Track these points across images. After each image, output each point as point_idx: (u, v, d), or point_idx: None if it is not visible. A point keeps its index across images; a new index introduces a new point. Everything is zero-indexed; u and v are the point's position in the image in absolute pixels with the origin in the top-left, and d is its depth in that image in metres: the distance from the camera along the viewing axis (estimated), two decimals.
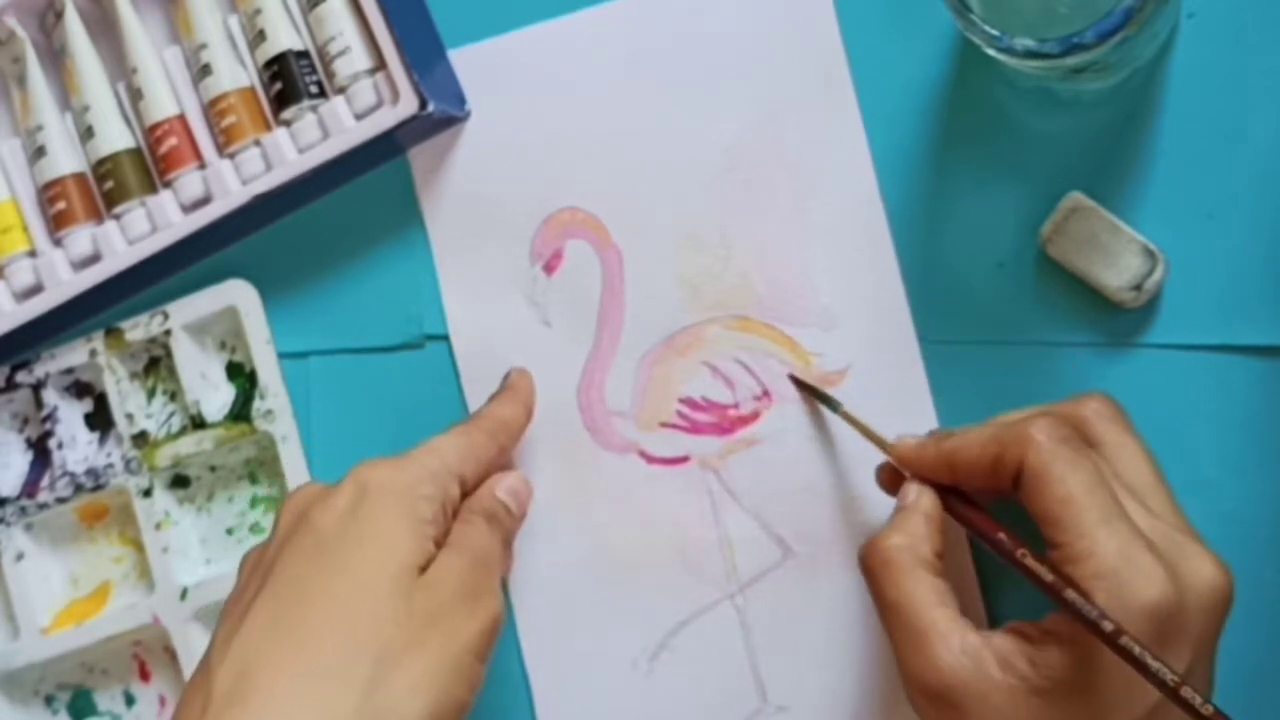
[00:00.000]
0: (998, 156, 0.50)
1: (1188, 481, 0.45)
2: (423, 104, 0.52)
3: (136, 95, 0.56)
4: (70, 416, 0.58)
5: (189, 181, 0.55)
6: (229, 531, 0.58)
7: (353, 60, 0.53)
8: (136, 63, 0.55)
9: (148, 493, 0.56)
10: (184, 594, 0.55)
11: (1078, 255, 0.48)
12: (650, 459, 0.53)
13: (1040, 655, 0.41)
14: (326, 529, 0.44)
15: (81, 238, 0.56)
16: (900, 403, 0.50)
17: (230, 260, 0.57)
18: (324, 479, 0.49)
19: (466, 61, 0.55)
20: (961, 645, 0.42)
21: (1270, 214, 0.47)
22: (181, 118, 0.55)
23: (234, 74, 0.55)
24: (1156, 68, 0.48)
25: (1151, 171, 0.48)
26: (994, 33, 0.42)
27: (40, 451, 0.59)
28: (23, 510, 0.58)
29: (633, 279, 0.54)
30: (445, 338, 0.55)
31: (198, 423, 0.56)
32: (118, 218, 0.56)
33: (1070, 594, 0.40)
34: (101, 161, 0.56)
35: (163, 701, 0.58)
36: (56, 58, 0.57)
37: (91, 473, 0.57)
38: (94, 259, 0.56)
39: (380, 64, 0.53)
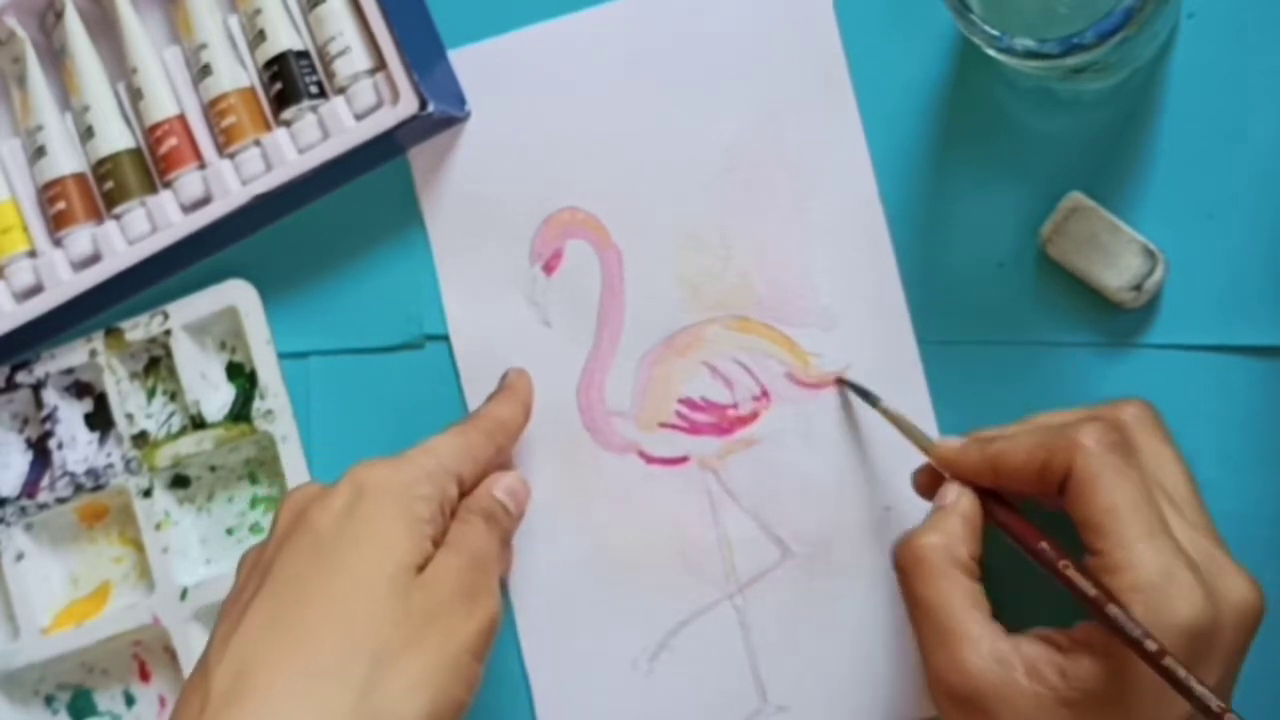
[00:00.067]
0: (998, 156, 0.50)
1: None
2: (423, 104, 0.52)
3: (136, 95, 0.56)
4: (70, 416, 0.58)
5: (189, 181, 0.55)
6: (229, 531, 0.58)
7: (353, 60, 0.53)
8: (136, 63, 0.55)
9: (148, 493, 0.56)
10: (184, 594, 0.55)
11: (1078, 255, 0.48)
12: (650, 459, 0.53)
13: (1071, 666, 0.41)
14: (324, 529, 0.44)
15: (81, 238, 0.56)
16: (899, 403, 0.50)
17: (230, 260, 0.57)
18: (324, 479, 0.49)
19: (466, 61, 0.55)
20: (991, 650, 0.41)
21: (1270, 214, 0.47)
22: (181, 118, 0.55)
23: (234, 74, 0.55)
24: (1156, 68, 0.48)
25: (1151, 171, 0.48)
26: (994, 33, 0.42)
27: (40, 451, 0.59)
28: (23, 510, 0.58)
29: (633, 279, 0.54)
30: (445, 338, 0.55)
31: (198, 423, 0.56)
32: (118, 218, 0.56)
33: (1113, 609, 0.39)
34: (101, 161, 0.56)
35: (163, 701, 0.58)
36: (56, 58, 0.57)
37: (91, 473, 0.57)
38: (94, 259, 0.56)
39: (380, 64, 0.53)
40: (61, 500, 0.57)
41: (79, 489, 0.57)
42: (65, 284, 0.56)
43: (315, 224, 0.56)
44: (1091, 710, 0.40)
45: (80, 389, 0.59)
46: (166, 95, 0.55)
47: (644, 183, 0.53)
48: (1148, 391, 0.46)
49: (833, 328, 0.51)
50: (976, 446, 0.45)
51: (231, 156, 0.55)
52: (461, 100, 0.55)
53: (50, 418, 0.58)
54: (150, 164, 0.56)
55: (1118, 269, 0.47)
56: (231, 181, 0.54)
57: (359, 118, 0.53)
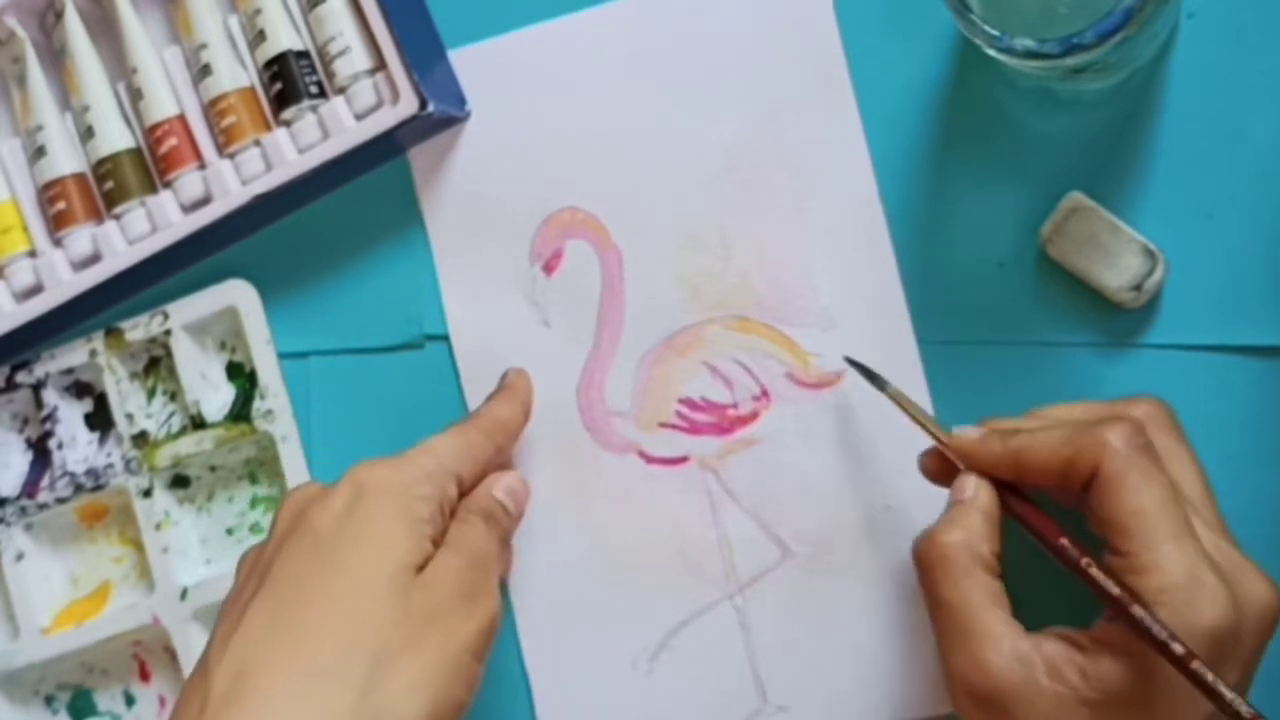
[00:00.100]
0: (998, 156, 0.50)
1: None
2: (423, 104, 0.52)
3: (136, 95, 0.56)
4: (70, 416, 0.58)
5: (189, 181, 0.55)
6: (229, 531, 0.58)
7: (353, 60, 0.53)
8: (136, 63, 0.55)
9: (148, 493, 0.56)
10: (184, 594, 0.55)
11: (1078, 255, 0.48)
12: (650, 459, 0.53)
13: (1092, 666, 0.40)
14: (324, 529, 0.44)
15: (81, 238, 0.56)
16: None
17: (230, 260, 0.57)
18: (324, 479, 0.49)
19: (466, 61, 0.55)
20: (1013, 650, 0.41)
21: (1270, 214, 0.47)
22: (181, 118, 0.55)
23: (234, 74, 0.55)
24: (1156, 68, 0.48)
25: (1151, 171, 0.48)
26: (994, 33, 0.42)
27: (40, 451, 0.59)
28: (23, 510, 0.58)
29: (633, 279, 0.54)
30: (445, 338, 0.55)
31: (198, 423, 0.56)
32: (118, 218, 0.56)
33: (1139, 610, 0.39)
34: (101, 161, 0.56)
35: (163, 701, 0.58)
36: (56, 58, 0.57)
37: (91, 473, 0.57)
38: (94, 259, 0.56)
39: (380, 64, 0.53)
40: (61, 500, 0.57)
41: (79, 489, 0.57)
42: (65, 284, 0.56)
43: (315, 224, 0.56)
44: (1112, 710, 0.40)
45: (80, 389, 0.59)
46: (166, 95, 0.55)
47: (644, 183, 0.53)
48: (1147, 391, 0.46)
49: (833, 328, 0.51)
50: (998, 439, 0.44)
51: (231, 156, 0.55)
52: (461, 100, 0.55)
53: (50, 418, 0.58)
54: (150, 164, 0.56)
55: (1118, 269, 0.47)
56: (231, 181, 0.54)
57: (359, 118, 0.53)
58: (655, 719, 0.53)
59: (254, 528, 0.57)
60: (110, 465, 0.57)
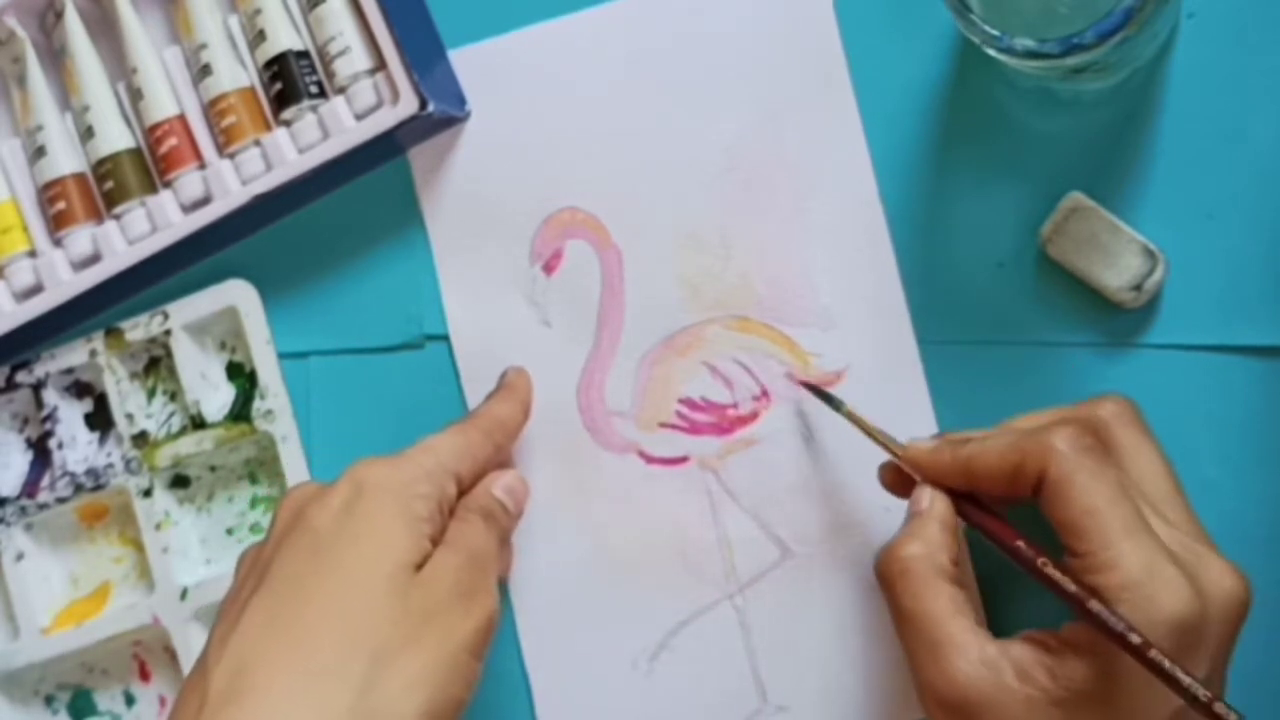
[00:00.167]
0: (998, 156, 0.50)
1: (1188, 481, 0.44)
2: (423, 104, 0.52)
3: (136, 95, 0.56)
4: (70, 416, 0.58)
5: (189, 181, 0.55)
6: (229, 531, 0.58)
7: (353, 60, 0.53)
8: (136, 63, 0.55)
9: (148, 493, 0.56)
10: (184, 594, 0.55)
11: (1078, 255, 0.48)
12: (650, 459, 0.53)
13: (1059, 666, 0.41)
14: (322, 527, 0.44)
15: (81, 238, 0.56)
16: (899, 403, 0.50)
17: (230, 260, 0.57)
18: (324, 479, 0.49)
19: (466, 61, 0.55)
20: (980, 656, 0.41)
21: (1270, 214, 0.47)
22: (181, 118, 0.55)
23: (234, 74, 0.55)
24: (1156, 68, 0.48)
25: (1151, 171, 0.48)
26: (994, 33, 0.42)
27: (40, 451, 0.59)
28: (23, 510, 0.58)
29: (633, 279, 0.54)
30: (445, 338, 0.55)
31: (198, 423, 0.56)
32: (118, 218, 0.56)
33: (1095, 605, 0.40)
34: (101, 161, 0.56)
35: (163, 702, 0.58)
36: (56, 58, 0.57)
37: (91, 473, 0.57)
38: (94, 259, 0.56)
39: (380, 64, 0.53)
40: (61, 500, 0.57)
41: (79, 489, 0.57)
42: (65, 284, 0.56)
43: (315, 224, 0.56)
44: (1082, 709, 0.40)
45: (80, 389, 0.59)
46: (166, 95, 0.55)
47: (644, 183, 0.53)
48: (1148, 391, 0.46)
49: (833, 328, 0.51)
50: (948, 449, 0.45)
51: (231, 156, 0.55)
52: (461, 100, 0.55)
53: (50, 418, 0.58)
54: (150, 164, 0.56)
55: (1118, 269, 0.47)
56: (231, 181, 0.54)
57: (359, 118, 0.53)
58: (655, 719, 0.53)
59: (254, 528, 0.57)
60: (110, 465, 0.57)
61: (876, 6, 0.51)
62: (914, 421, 0.50)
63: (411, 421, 0.54)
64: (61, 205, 0.56)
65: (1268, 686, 0.46)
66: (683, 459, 0.53)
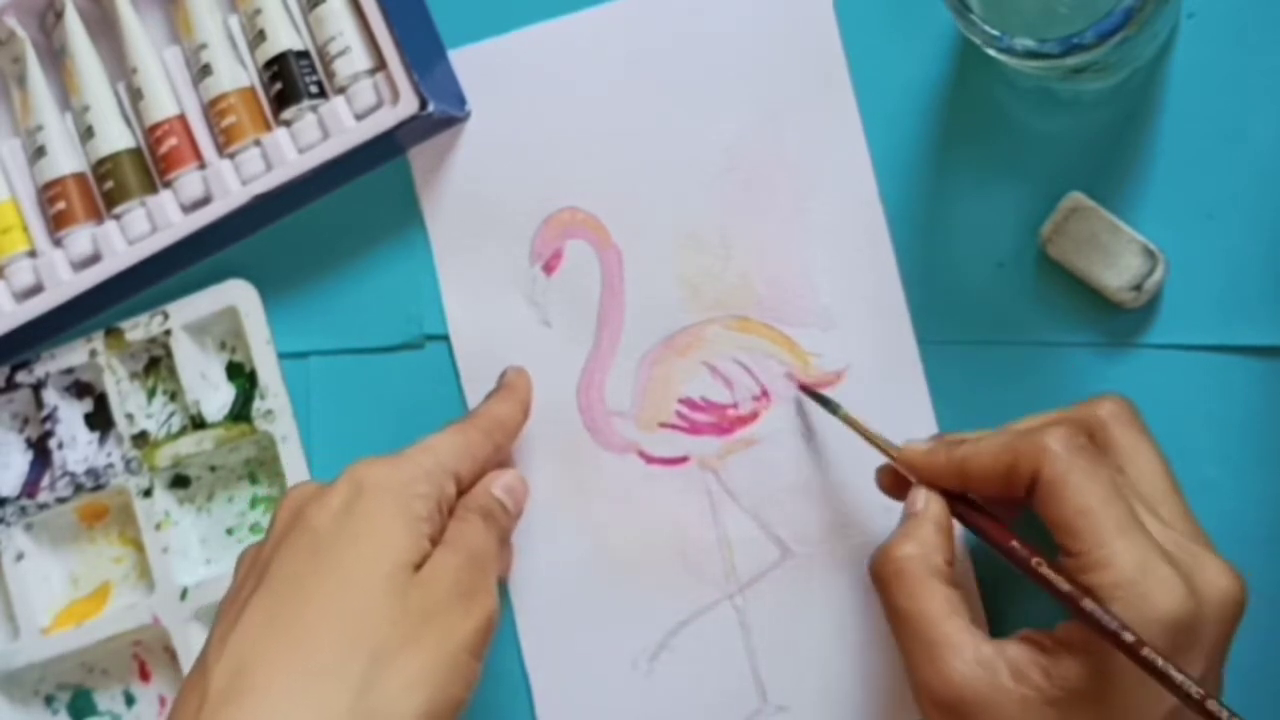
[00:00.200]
0: (998, 156, 0.50)
1: (1188, 481, 0.44)
2: (423, 104, 0.52)
3: (136, 95, 0.56)
4: (70, 416, 0.58)
5: (189, 181, 0.55)
6: (229, 531, 0.58)
7: (353, 60, 0.53)
8: (136, 63, 0.55)
9: (148, 493, 0.56)
10: (184, 594, 0.55)
11: (1078, 255, 0.48)
12: (650, 459, 0.53)
13: (1054, 665, 0.41)
14: (322, 527, 0.44)
15: (81, 238, 0.56)
16: (899, 403, 0.50)
17: (230, 260, 0.57)
18: (324, 479, 0.49)
19: (466, 61, 0.55)
20: (975, 656, 0.41)
21: (1270, 214, 0.47)
22: (181, 118, 0.55)
23: (234, 74, 0.55)
24: (1156, 68, 0.48)
25: (1151, 171, 0.48)
26: (994, 33, 0.42)
27: (40, 451, 0.59)
28: (23, 510, 0.58)
29: (633, 279, 0.54)
30: (445, 338, 0.55)
31: (198, 423, 0.56)
32: (118, 218, 0.56)
33: (1089, 604, 0.40)
34: (101, 161, 0.56)
35: (163, 701, 0.58)
36: (56, 58, 0.57)
37: (91, 473, 0.57)
38: (94, 259, 0.56)
39: (380, 64, 0.53)
40: (61, 500, 0.57)
41: (79, 489, 0.57)
42: (65, 284, 0.56)
43: (315, 224, 0.56)
44: (1077, 708, 0.40)
45: (80, 389, 0.59)
46: (166, 95, 0.55)
47: (644, 183, 0.53)
48: (1147, 391, 0.46)
49: (833, 328, 0.51)
50: (943, 450, 0.45)
51: (231, 156, 0.55)
52: (461, 100, 0.55)
53: (50, 418, 0.58)
54: (150, 164, 0.56)
55: (1118, 269, 0.47)
56: (231, 181, 0.54)
57: (359, 118, 0.53)
58: (655, 719, 0.53)
59: (254, 528, 0.57)
60: (110, 465, 0.57)
61: (876, 6, 0.51)
62: (914, 422, 0.50)
63: (411, 421, 0.54)
64: (61, 205, 0.56)
65: (1266, 686, 0.46)
66: (683, 459, 0.53)
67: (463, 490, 0.48)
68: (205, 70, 0.55)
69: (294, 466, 0.56)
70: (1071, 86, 0.48)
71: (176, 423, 0.58)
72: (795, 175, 0.52)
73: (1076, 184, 0.48)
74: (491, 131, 0.55)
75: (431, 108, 0.52)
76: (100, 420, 0.59)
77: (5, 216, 0.56)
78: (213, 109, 0.55)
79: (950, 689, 0.41)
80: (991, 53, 0.43)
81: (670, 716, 0.52)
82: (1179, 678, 0.38)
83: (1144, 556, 0.40)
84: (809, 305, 0.52)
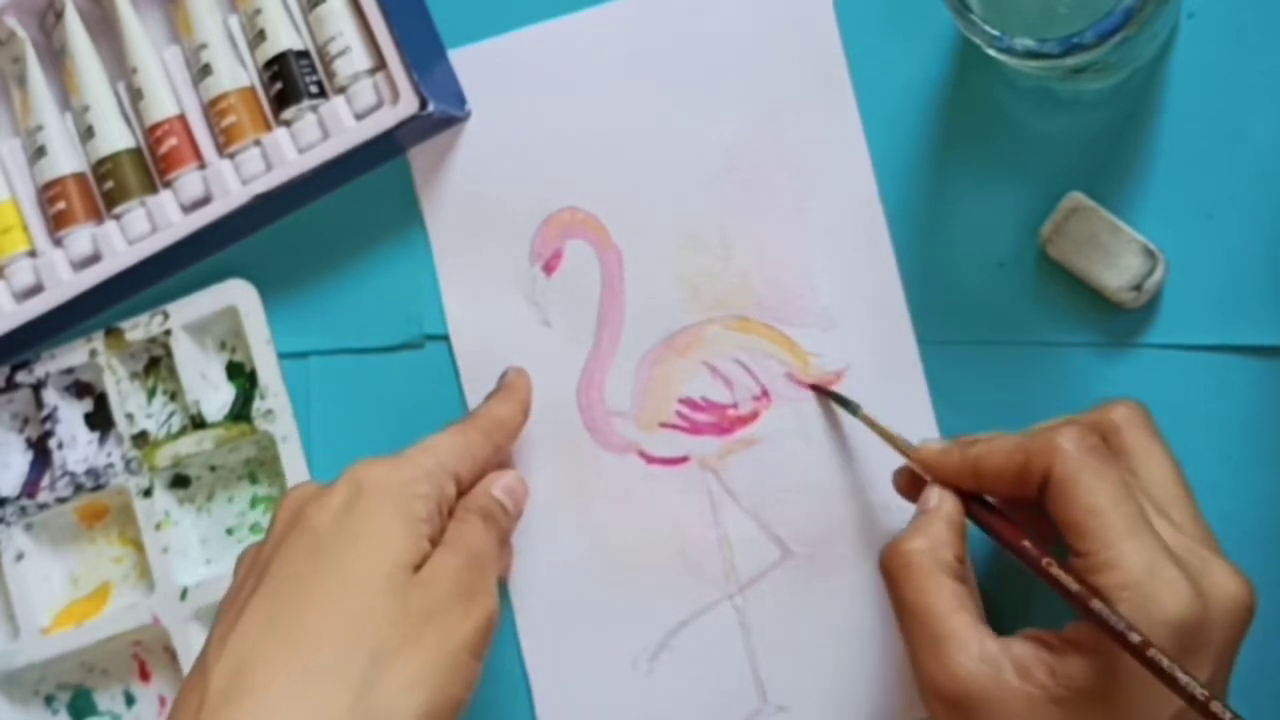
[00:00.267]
0: (998, 156, 0.50)
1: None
2: (423, 104, 0.52)
3: (136, 95, 0.56)
4: (70, 416, 0.58)
5: (189, 181, 0.55)
6: (229, 531, 0.58)
7: (353, 60, 0.53)
8: (136, 63, 0.55)
9: (148, 493, 0.56)
10: (184, 594, 0.55)
11: (1078, 255, 0.48)
12: (650, 459, 0.53)
13: (1060, 664, 0.41)
14: (322, 527, 0.44)
15: (81, 238, 0.56)
16: (899, 403, 0.50)
17: (230, 260, 0.57)
18: (324, 479, 0.49)
19: (466, 61, 0.55)
20: (981, 652, 0.41)
21: (1270, 214, 0.47)
22: (181, 118, 0.55)
23: (234, 74, 0.55)
24: (1156, 68, 0.48)
25: (1151, 171, 0.48)
26: (994, 33, 0.42)
27: (40, 451, 0.59)
28: (23, 510, 0.58)
29: (633, 279, 0.54)
30: (445, 338, 0.55)
31: (198, 423, 0.56)
32: (118, 218, 0.56)
33: (1097, 604, 0.40)
34: (101, 161, 0.56)
35: (163, 701, 0.58)
36: (56, 58, 0.57)
37: (91, 473, 0.57)
38: (94, 259, 0.56)
39: (380, 64, 0.53)
40: (61, 500, 0.57)
41: (79, 489, 0.57)
42: (65, 284, 0.56)
43: (315, 224, 0.56)
44: (1082, 708, 0.40)
45: (80, 389, 0.59)
46: (166, 95, 0.55)
47: (644, 183, 0.53)
48: (1147, 391, 0.46)
49: (833, 328, 0.51)
50: (957, 449, 0.45)
51: (231, 156, 0.55)
52: (461, 100, 0.55)
53: (50, 418, 0.58)
54: (150, 164, 0.56)
55: (1118, 269, 0.47)
56: (231, 181, 0.54)
57: (359, 118, 0.53)
58: (655, 719, 0.53)
59: (254, 528, 0.57)
60: (110, 465, 0.57)
61: (876, 6, 0.51)
62: (914, 421, 0.50)
63: (411, 421, 0.54)
64: (61, 205, 0.56)
65: (1268, 688, 0.46)
66: (683, 459, 0.53)
67: (463, 491, 0.48)
68: (205, 70, 0.55)
69: (294, 466, 0.56)
70: (1071, 86, 0.48)
71: (176, 423, 0.58)
72: (795, 175, 0.52)
73: (1076, 184, 0.48)
74: (491, 131, 0.55)
75: (431, 108, 0.52)
76: (100, 420, 0.59)
77: (5, 216, 0.56)
78: (213, 109, 0.55)
79: (955, 684, 0.41)
80: (991, 53, 0.43)
81: (670, 716, 0.52)
82: (1184, 679, 0.38)
83: (1152, 558, 0.40)
84: (809, 305, 0.52)
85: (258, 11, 0.54)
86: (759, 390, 0.52)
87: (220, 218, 0.54)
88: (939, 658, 0.42)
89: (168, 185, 0.55)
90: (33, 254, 0.57)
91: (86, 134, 0.56)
